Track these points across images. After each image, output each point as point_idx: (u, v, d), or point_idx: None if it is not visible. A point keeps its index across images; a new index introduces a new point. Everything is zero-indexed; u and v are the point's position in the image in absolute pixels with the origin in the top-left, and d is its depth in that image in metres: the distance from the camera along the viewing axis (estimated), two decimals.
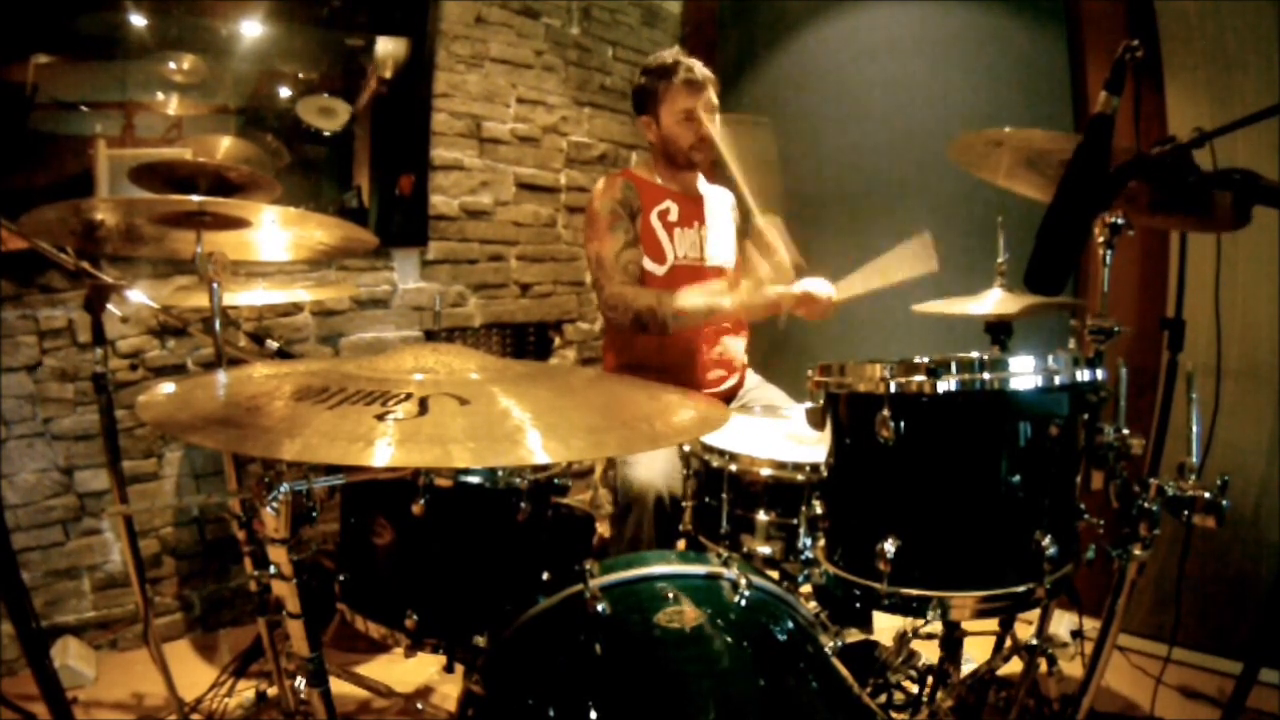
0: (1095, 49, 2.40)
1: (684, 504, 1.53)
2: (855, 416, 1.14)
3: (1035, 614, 1.59)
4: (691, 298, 1.84)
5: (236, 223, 1.41)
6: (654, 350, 1.98)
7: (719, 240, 2.13)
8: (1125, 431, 1.12)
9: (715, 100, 2.02)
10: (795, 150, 3.24)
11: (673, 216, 2.04)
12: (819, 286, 1.81)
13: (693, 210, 2.09)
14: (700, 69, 2.00)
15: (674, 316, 1.83)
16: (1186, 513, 1.07)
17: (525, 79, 3.07)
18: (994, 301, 1.73)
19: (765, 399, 2.08)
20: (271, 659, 1.52)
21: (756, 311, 1.84)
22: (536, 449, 0.80)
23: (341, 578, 1.29)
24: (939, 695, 1.39)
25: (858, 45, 3.04)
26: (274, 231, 1.56)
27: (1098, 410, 1.12)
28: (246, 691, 1.80)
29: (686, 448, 1.52)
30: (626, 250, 1.95)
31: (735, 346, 2.12)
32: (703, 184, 2.18)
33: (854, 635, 1.47)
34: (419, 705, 1.88)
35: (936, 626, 1.38)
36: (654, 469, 1.65)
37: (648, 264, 1.99)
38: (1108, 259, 1.25)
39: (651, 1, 3.56)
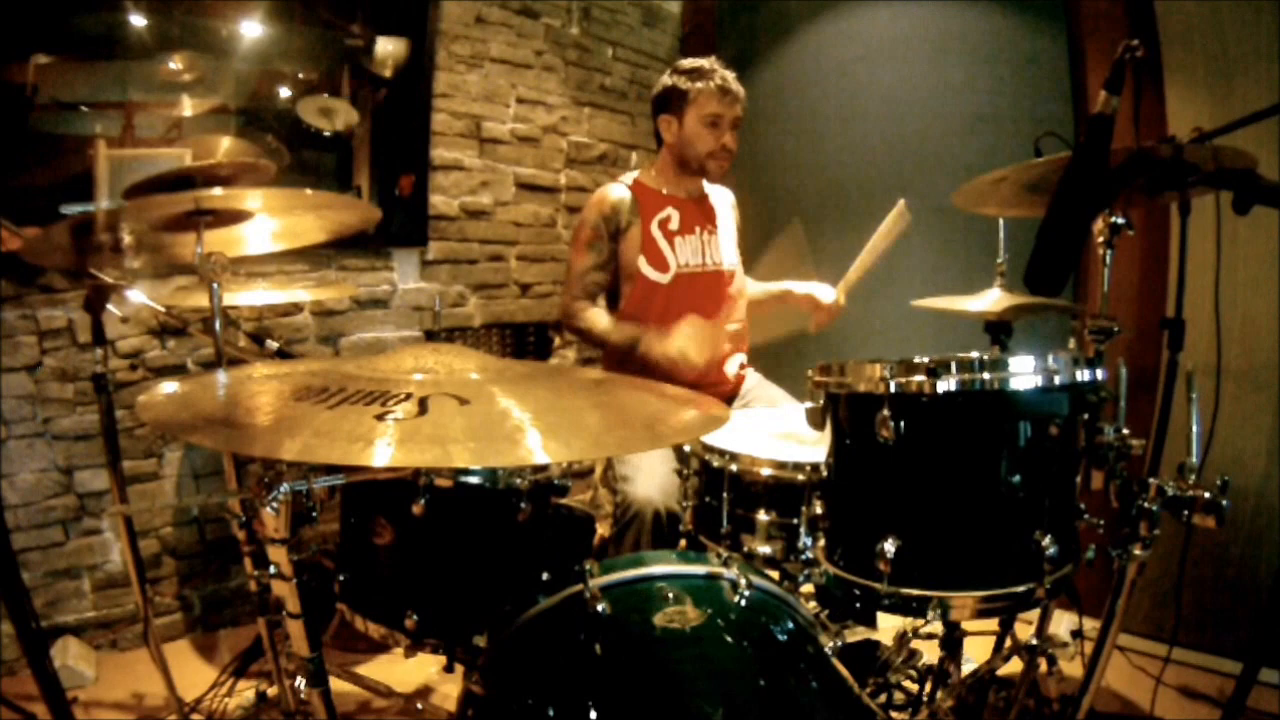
0: (1095, 49, 2.40)
1: (684, 504, 1.53)
2: (855, 416, 1.14)
3: (1035, 614, 1.59)
4: (621, 332, 1.95)
5: (237, 216, 1.41)
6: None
7: (724, 243, 2.14)
8: (1125, 431, 1.12)
9: (741, 116, 2.03)
10: (795, 150, 3.24)
11: (674, 224, 2.04)
12: (822, 291, 1.86)
13: (696, 216, 2.10)
14: (735, 82, 2.01)
15: (604, 342, 2.00)
16: (1186, 513, 1.07)
17: (525, 79, 3.07)
18: (994, 301, 1.73)
19: (766, 398, 2.09)
20: (271, 659, 1.52)
21: (667, 364, 1.85)
22: (536, 449, 0.80)
23: (341, 578, 1.29)
24: (939, 695, 1.39)
25: (858, 45, 3.04)
26: (272, 219, 1.53)
27: (1098, 410, 1.12)
28: (246, 691, 1.80)
29: (687, 448, 1.52)
30: (594, 272, 2.03)
31: (736, 345, 2.12)
32: (705, 185, 2.19)
33: (859, 633, 1.47)
34: (419, 705, 1.88)
35: (936, 626, 1.38)
36: (652, 485, 1.66)
37: (651, 273, 2.00)
38: (1108, 259, 1.25)
39: (651, 1, 3.56)
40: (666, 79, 2.05)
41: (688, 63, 2.04)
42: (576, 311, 2.04)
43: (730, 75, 2.02)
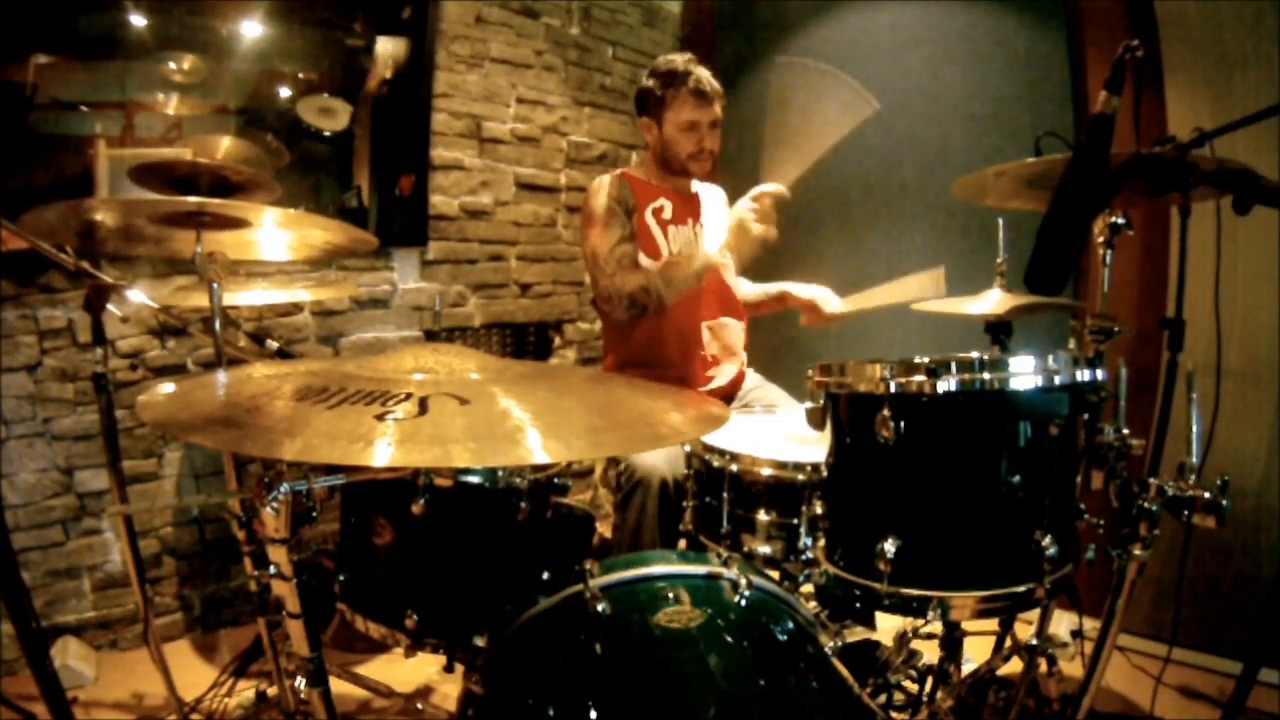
0: (1095, 49, 2.40)
1: (685, 503, 1.53)
2: (855, 416, 1.14)
3: (1035, 614, 1.59)
4: (661, 269, 1.87)
5: (236, 223, 1.41)
6: (653, 348, 1.99)
7: (714, 238, 2.13)
8: (1125, 431, 1.12)
9: (720, 114, 2.01)
10: None
11: (666, 214, 2.05)
12: (824, 297, 1.82)
13: (687, 208, 2.10)
14: (710, 81, 1.97)
15: (666, 285, 1.85)
16: (1186, 513, 1.07)
17: (525, 79, 3.07)
18: (994, 301, 1.73)
19: (765, 398, 2.09)
20: (271, 659, 1.52)
21: (743, 259, 1.85)
22: (536, 449, 0.80)
23: (341, 578, 1.29)
24: (939, 695, 1.39)
25: (858, 45, 3.04)
26: (273, 232, 1.56)
27: (1098, 410, 1.12)
28: (246, 691, 1.80)
29: (688, 447, 1.52)
30: (621, 244, 1.95)
31: (735, 343, 2.12)
32: (695, 183, 2.18)
33: (858, 633, 1.47)
34: (419, 705, 1.88)
35: (936, 626, 1.38)
36: (658, 453, 1.66)
37: (644, 260, 2.00)
38: (1108, 259, 1.25)
39: (651, 1, 3.56)
40: (645, 81, 2.03)
41: (663, 64, 2.00)
42: (619, 284, 1.89)
43: (705, 75, 1.96)
